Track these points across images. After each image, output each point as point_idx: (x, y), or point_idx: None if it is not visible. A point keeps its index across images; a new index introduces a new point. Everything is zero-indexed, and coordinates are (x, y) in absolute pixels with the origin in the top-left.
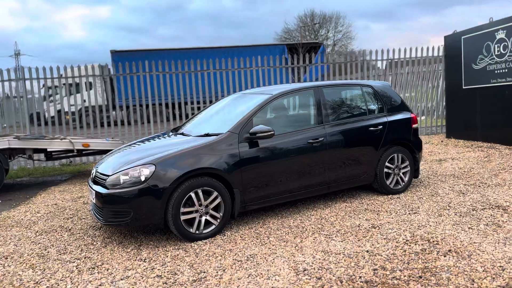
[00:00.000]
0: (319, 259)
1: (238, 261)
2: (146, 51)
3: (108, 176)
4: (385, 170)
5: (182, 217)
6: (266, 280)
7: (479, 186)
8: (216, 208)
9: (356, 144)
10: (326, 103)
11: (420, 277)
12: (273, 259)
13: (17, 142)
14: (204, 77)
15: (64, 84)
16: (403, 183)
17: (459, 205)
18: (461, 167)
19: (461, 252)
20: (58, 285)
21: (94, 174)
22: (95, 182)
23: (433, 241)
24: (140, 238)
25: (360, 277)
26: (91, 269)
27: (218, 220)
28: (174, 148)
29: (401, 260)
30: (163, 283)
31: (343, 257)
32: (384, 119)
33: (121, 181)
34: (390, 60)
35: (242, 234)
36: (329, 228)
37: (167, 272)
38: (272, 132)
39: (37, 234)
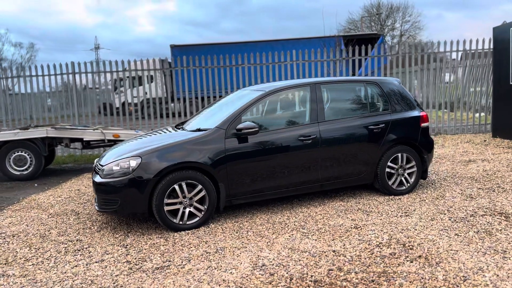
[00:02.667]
0: (283, 255)
1: (207, 253)
2: (202, 45)
3: (104, 166)
4: (387, 170)
5: (166, 208)
6: (222, 273)
7: (493, 191)
8: (201, 201)
9: (353, 143)
10: (322, 100)
11: (372, 281)
12: (240, 253)
13: (54, 132)
14: (257, 71)
15: (127, 77)
16: (408, 184)
17: (459, 210)
18: (487, 169)
19: (431, 259)
20: (42, 263)
21: (95, 165)
22: (97, 172)
23: (408, 246)
24: (132, 225)
25: (311, 276)
26: (76, 251)
27: (202, 213)
28: (165, 142)
29: (362, 263)
30: (128, 269)
31: (307, 255)
32: (387, 117)
33: (113, 171)
34: (464, 52)
35: (225, 227)
36: (311, 226)
37: (138, 258)
38: (256, 129)
39: (50, 216)
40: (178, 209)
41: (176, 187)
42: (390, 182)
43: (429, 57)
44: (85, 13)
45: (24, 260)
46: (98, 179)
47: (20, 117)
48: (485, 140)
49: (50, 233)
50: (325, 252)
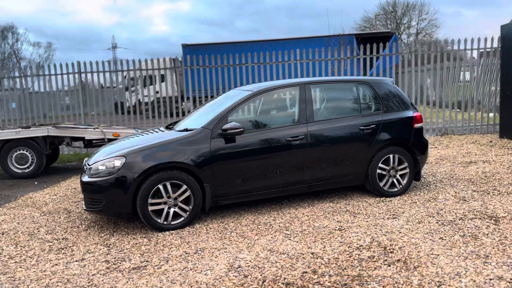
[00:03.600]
0: (261, 257)
1: (186, 253)
2: (213, 44)
3: (91, 165)
4: (378, 171)
5: (150, 208)
6: (196, 274)
7: (488, 193)
8: (186, 201)
9: (342, 144)
10: (311, 100)
11: (345, 284)
12: (219, 254)
13: (55, 130)
14: (266, 70)
15: (139, 76)
16: (400, 186)
17: (449, 213)
18: (486, 171)
19: (410, 263)
20: (25, 261)
21: (84, 164)
22: (84, 171)
23: (389, 249)
24: (119, 225)
25: (284, 278)
26: (60, 249)
27: (187, 213)
28: (151, 142)
29: (339, 266)
30: (106, 268)
31: (285, 257)
32: (379, 118)
33: (99, 170)
34: (482, 50)
35: (210, 228)
36: (295, 228)
37: (117, 258)
38: (241, 129)
39: (42, 214)
40: (162, 209)
41: (161, 187)
42: (381, 184)
43: (436, 56)
44: (101, 13)
45: (8, 258)
46: (85, 178)
47: (34, 115)
48: (491, 141)
49: (39, 231)
50: (303, 254)
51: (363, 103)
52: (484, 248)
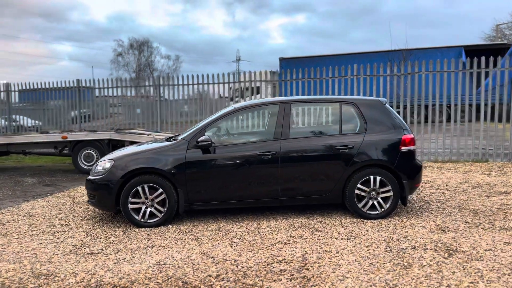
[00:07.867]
0: (190, 258)
1: (137, 248)
2: (308, 57)
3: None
4: (357, 191)
5: (130, 206)
6: (126, 264)
7: (477, 226)
8: (162, 203)
9: (315, 161)
10: (289, 118)
11: None
12: (160, 252)
13: (116, 135)
14: (367, 82)
15: (240, 87)
16: (382, 209)
17: (408, 241)
18: (507, 204)
19: (313, 281)
20: (24, 238)
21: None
22: None
23: (308, 266)
24: (115, 219)
25: (188, 278)
26: (55, 232)
27: (162, 214)
28: (140, 149)
29: (244, 274)
30: (69, 251)
31: (209, 261)
32: (359, 138)
33: (97, 170)
34: None
35: (180, 229)
36: (248, 237)
37: (84, 244)
38: (209, 142)
39: (70, 204)
40: (140, 208)
41: (139, 189)
42: (360, 205)
43: None
44: (223, 28)
45: (17, 234)
46: (89, 176)
47: (155, 120)
48: None
49: (56, 217)
50: (227, 260)
51: (345, 123)
52: (402, 278)
